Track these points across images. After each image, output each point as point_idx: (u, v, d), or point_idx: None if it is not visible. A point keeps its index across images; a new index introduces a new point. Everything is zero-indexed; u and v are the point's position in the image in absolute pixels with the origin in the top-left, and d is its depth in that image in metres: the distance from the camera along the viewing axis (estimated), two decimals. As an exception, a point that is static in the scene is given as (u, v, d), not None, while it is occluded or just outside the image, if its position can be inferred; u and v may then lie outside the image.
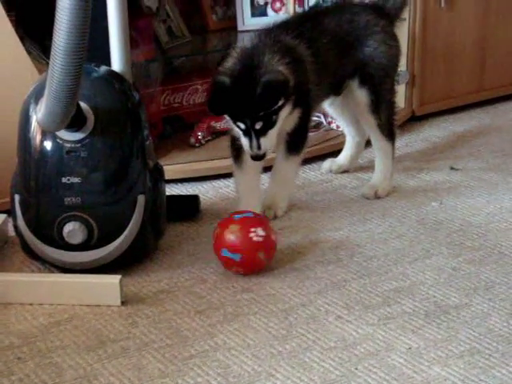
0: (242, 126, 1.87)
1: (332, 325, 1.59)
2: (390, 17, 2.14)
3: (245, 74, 1.84)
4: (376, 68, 2.08)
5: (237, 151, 1.98)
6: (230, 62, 1.89)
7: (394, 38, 2.14)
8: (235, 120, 1.88)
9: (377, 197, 2.14)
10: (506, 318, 1.59)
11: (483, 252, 1.85)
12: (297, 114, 1.95)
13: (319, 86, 2.00)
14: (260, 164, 1.98)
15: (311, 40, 1.98)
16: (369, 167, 2.27)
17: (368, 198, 2.14)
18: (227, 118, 1.91)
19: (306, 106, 1.98)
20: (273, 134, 1.88)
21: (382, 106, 2.11)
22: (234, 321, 1.61)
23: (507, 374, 1.43)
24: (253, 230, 1.74)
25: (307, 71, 1.95)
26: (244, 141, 1.89)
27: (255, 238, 1.73)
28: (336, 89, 2.10)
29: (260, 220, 1.79)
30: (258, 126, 1.85)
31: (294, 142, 2.00)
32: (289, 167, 2.03)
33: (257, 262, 1.75)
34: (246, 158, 1.95)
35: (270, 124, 1.86)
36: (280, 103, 1.86)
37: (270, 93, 1.83)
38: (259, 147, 1.87)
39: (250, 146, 1.87)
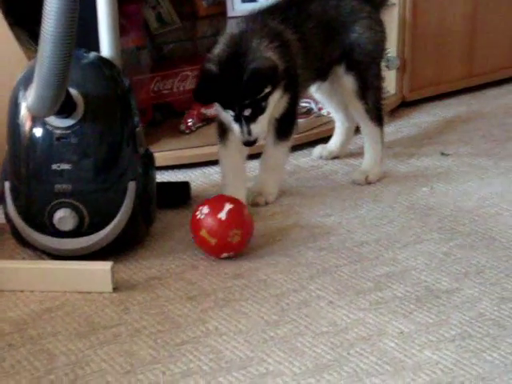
0: (232, 112, 1.87)
1: (324, 310, 1.59)
2: (375, 3, 2.14)
3: (232, 61, 1.84)
4: (362, 54, 2.09)
5: (223, 135, 1.98)
6: (217, 49, 1.89)
7: (380, 24, 2.14)
8: (224, 107, 1.88)
9: (368, 182, 2.14)
10: (496, 302, 1.60)
11: (474, 237, 1.86)
12: (285, 99, 1.95)
13: (306, 71, 2.00)
14: (246, 148, 1.98)
15: (297, 25, 1.98)
16: (359, 153, 2.27)
17: (359, 183, 2.14)
18: (217, 105, 1.91)
19: (294, 91, 1.98)
20: (263, 119, 1.88)
21: (368, 91, 2.11)
22: (225, 307, 1.61)
23: (498, 358, 1.43)
24: (200, 208, 1.77)
25: (294, 55, 1.95)
26: (235, 127, 1.89)
27: (198, 216, 1.76)
28: (322, 74, 2.10)
29: (214, 200, 1.79)
30: (246, 112, 1.85)
31: (283, 128, 2.00)
32: (278, 153, 2.03)
33: (202, 240, 1.76)
34: (232, 141, 1.96)
35: (259, 110, 1.87)
36: (267, 90, 1.86)
37: (257, 80, 1.84)
38: (250, 133, 1.87)
39: (241, 132, 1.87)
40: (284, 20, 1.96)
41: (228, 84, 1.83)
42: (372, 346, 1.47)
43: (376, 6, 2.14)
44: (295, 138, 2.12)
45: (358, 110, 2.13)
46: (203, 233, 1.75)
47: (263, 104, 1.87)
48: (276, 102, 1.91)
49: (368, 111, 2.12)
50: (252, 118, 1.86)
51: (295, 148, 2.26)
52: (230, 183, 1.98)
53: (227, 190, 1.95)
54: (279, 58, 1.88)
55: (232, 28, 1.96)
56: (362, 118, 2.15)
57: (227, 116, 1.89)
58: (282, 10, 2.01)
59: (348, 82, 2.09)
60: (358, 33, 2.07)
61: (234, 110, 1.86)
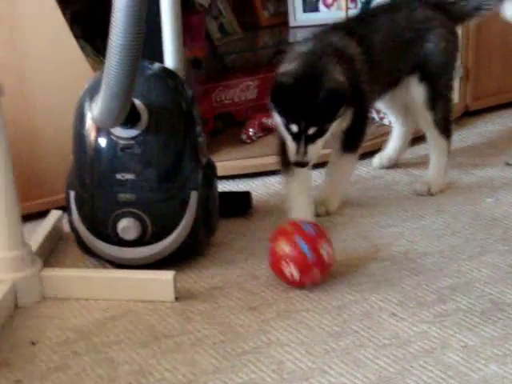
0: (295, 128, 1.82)
1: (386, 322, 1.57)
2: (452, 15, 2.10)
3: (308, 78, 1.81)
4: (435, 64, 2.06)
5: (287, 163, 1.90)
6: (290, 65, 1.86)
7: (454, 34, 2.11)
8: (290, 121, 1.83)
9: (430, 194, 2.11)
10: None
11: (540, 249, 1.82)
12: (349, 114, 1.92)
13: (373, 85, 1.98)
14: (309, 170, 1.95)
15: (362, 38, 1.96)
16: (421, 163, 2.24)
17: (421, 194, 2.11)
18: (279, 119, 1.86)
19: (360, 105, 1.95)
20: (321, 143, 1.85)
21: (439, 102, 2.08)
22: (286, 317, 1.61)
23: None
24: (280, 244, 1.69)
25: (359, 70, 1.93)
26: (291, 145, 1.84)
27: (279, 253, 1.68)
28: (392, 85, 2.08)
29: (298, 232, 1.69)
30: (311, 131, 1.82)
31: (350, 140, 1.99)
32: (344, 165, 2.02)
33: (278, 271, 1.70)
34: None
35: (322, 132, 1.84)
36: (341, 112, 1.84)
37: (333, 101, 1.82)
38: (305, 154, 1.84)
39: (297, 152, 1.83)
40: (348, 34, 1.94)
41: (303, 98, 1.80)
42: (436, 359, 1.45)
43: (452, 18, 2.10)
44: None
45: (427, 120, 2.10)
46: (283, 266, 1.67)
47: (328, 126, 1.84)
48: (338, 124, 1.88)
49: (437, 122, 2.10)
50: (312, 139, 1.83)
51: (357, 158, 2.25)
52: (296, 207, 1.93)
53: (293, 214, 1.91)
54: (345, 77, 1.85)
55: (299, 47, 1.93)
56: (429, 128, 2.12)
57: (285, 132, 1.85)
58: (348, 25, 2.00)
59: (419, 92, 2.07)
60: (433, 42, 2.05)
61: (298, 126, 1.82)
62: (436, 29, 2.05)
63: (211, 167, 1.88)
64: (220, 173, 1.98)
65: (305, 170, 1.89)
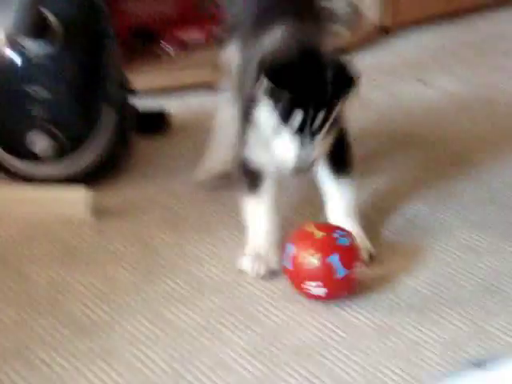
0: (300, 116, 1.38)
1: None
2: None
3: (308, 55, 1.43)
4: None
5: (251, 177, 1.53)
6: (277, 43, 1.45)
7: None
8: (296, 105, 1.38)
9: None
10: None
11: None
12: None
13: None
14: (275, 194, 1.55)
15: None
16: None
17: None
18: (274, 114, 1.40)
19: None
20: (323, 134, 1.43)
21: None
22: (203, 232, 1.62)
23: None
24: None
25: None
26: (291, 144, 1.40)
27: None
28: None
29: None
30: (320, 115, 1.39)
31: (340, 158, 1.57)
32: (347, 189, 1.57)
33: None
34: (264, 184, 1.53)
35: (327, 118, 1.41)
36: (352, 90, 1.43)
37: (344, 75, 1.43)
38: (310, 153, 1.40)
39: (300, 151, 1.40)
40: None
41: (310, 73, 1.39)
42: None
43: None
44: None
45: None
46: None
47: (335, 106, 1.42)
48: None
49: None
50: (318, 130, 1.40)
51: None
52: (259, 243, 1.53)
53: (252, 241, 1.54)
54: None
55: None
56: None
57: (280, 131, 1.41)
58: None
59: None
60: None
61: (306, 111, 1.38)
62: None
63: (127, 83, 1.86)
64: (136, 88, 1.95)
65: (273, 189, 1.54)
